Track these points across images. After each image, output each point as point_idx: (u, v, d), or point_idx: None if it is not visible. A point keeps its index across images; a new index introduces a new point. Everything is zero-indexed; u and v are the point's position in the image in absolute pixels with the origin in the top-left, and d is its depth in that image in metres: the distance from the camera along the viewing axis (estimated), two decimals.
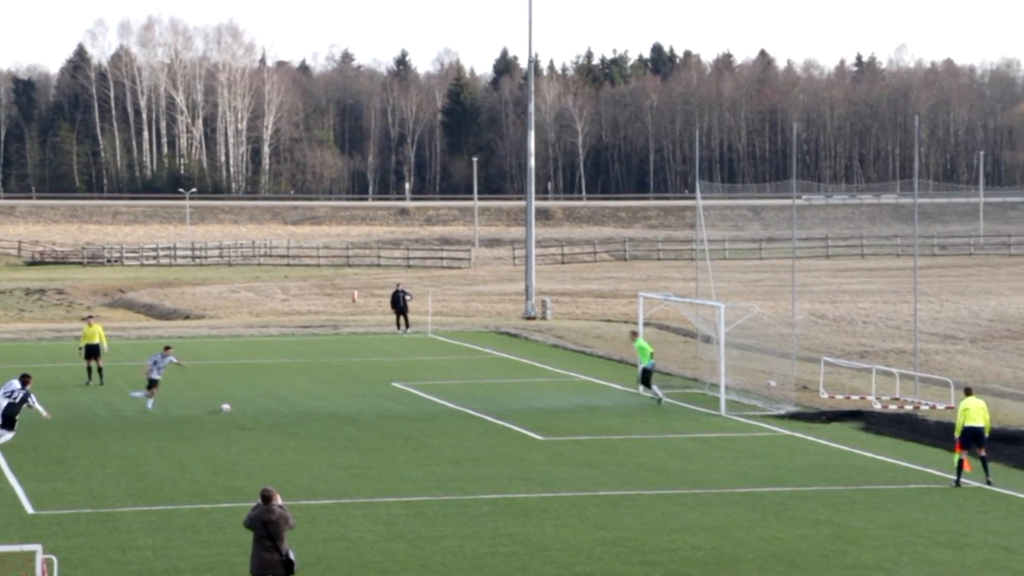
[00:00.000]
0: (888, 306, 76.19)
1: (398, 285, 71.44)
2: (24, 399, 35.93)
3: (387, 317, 72.10)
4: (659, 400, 44.71)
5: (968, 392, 32.01)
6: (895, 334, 63.06)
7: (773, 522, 28.44)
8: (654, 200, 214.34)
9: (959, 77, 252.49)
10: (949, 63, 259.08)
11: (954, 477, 31.54)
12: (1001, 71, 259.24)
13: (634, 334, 47.18)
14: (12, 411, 35.73)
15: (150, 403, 43.40)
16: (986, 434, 31.54)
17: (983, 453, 31.26)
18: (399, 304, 68.41)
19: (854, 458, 35.62)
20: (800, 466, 34.52)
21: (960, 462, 31.26)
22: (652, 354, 45.48)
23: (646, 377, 45.34)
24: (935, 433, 38.68)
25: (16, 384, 36.16)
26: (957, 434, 31.44)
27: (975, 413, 31.32)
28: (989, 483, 31.34)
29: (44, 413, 36.86)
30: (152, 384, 43.53)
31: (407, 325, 68.01)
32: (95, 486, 32.17)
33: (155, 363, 43.79)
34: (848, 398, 45.17)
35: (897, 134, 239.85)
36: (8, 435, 35.86)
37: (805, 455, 36.10)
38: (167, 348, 44.87)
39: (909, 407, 43.11)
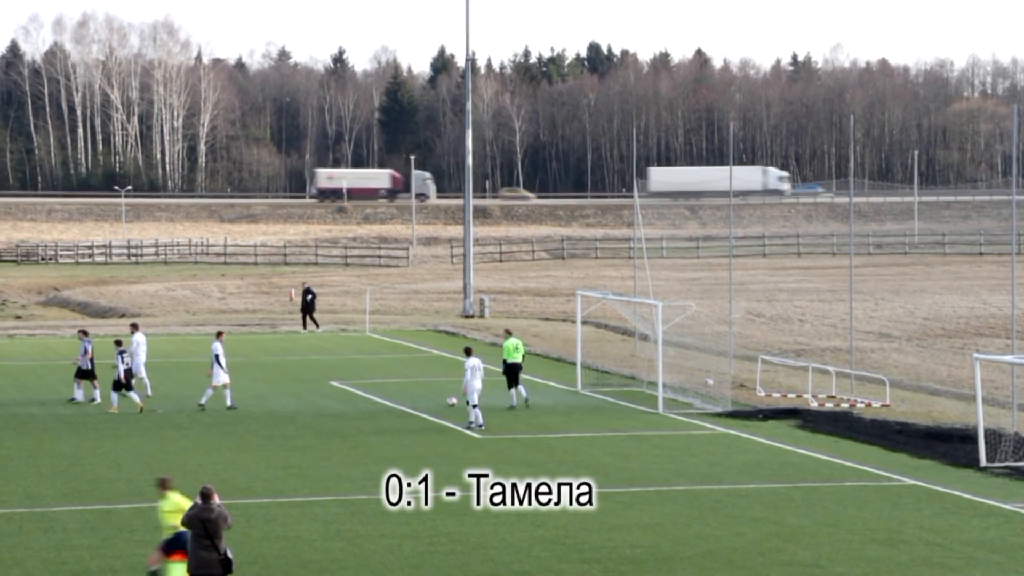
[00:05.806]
0: (824, 304, 76.64)
1: (303, 283, 70.90)
2: None
3: (324, 315, 71.86)
4: (526, 401, 43.13)
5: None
6: (831, 332, 63.41)
7: (710, 520, 28.53)
8: (592, 199, 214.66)
9: (894, 77, 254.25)
10: (884, 63, 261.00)
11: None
12: (935, 71, 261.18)
13: (507, 332, 45.10)
14: None
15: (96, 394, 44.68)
16: None
17: None
18: (304, 302, 67.55)
19: (790, 456, 35.80)
20: (737, 464, 34.65)
21: None
22: (524, 354, 43.34)
23: (513, 374, 43.00)
24: (871, 431, 38.93)
25: None
26: None
27: None
28: None
29: None
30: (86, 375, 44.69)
31: (316, 325, 67.25)
32: (29, 485, 31.92)
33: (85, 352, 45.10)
34: (785, 396, 45.38)
35: (832, 133, 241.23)
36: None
37: (742, 453, 36.25)
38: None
39: (845, 405, 43.35)
